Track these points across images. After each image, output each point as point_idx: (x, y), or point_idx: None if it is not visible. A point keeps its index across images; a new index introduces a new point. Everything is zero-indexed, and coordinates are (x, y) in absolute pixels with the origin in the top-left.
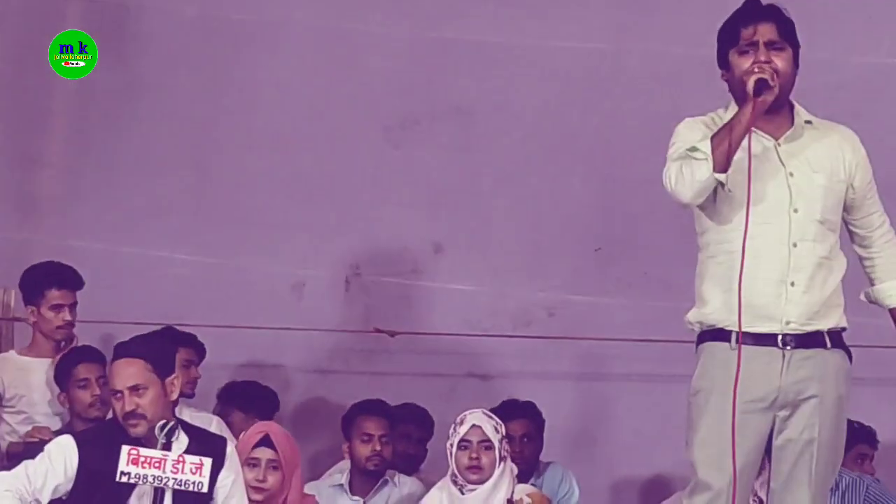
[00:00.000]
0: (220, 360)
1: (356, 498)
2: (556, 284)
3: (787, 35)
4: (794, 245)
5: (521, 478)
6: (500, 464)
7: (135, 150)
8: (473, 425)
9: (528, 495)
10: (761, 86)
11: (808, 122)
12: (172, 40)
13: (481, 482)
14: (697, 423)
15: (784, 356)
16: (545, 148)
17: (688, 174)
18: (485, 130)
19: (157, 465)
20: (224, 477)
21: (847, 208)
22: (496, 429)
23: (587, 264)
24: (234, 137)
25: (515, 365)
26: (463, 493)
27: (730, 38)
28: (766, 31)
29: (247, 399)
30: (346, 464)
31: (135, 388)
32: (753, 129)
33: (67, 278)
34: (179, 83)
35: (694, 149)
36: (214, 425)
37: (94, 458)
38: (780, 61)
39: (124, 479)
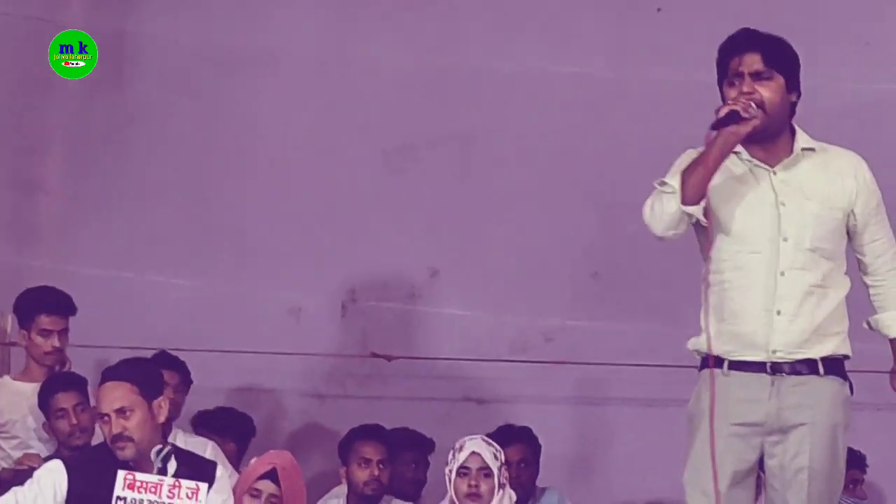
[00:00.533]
0: (217, 385)
1: None
2: (553, 309)
3: (776, 63)
4: (782, 274)
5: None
6: (498, 491)
7: (133, 175)
8: (473, 452)
9: None
10: (729, 118)
11: (810, 148)
12: (171, 67)
13: None
14: (689, 447)
15: (773, 383)
16: (544, 174)
17: (658, 207)
18: (484, 156)
19: (153, 489)
20: (211, 499)
21: (850, 235)
22: (495, 455)
23: (585, 289)
24: (233, 163)
25: (513, 390)
26: None
27: (721, 70)
28: (751, 62)
29: (221, 426)
30: (341, 489)
31: (121, 411)
32: (749, 159)
33: (58, 304)
34: (178, 109)
35: (663, 182)
36: (209, 450)
37: (83, 482)
38: (767, 91)
39: (120, 503)
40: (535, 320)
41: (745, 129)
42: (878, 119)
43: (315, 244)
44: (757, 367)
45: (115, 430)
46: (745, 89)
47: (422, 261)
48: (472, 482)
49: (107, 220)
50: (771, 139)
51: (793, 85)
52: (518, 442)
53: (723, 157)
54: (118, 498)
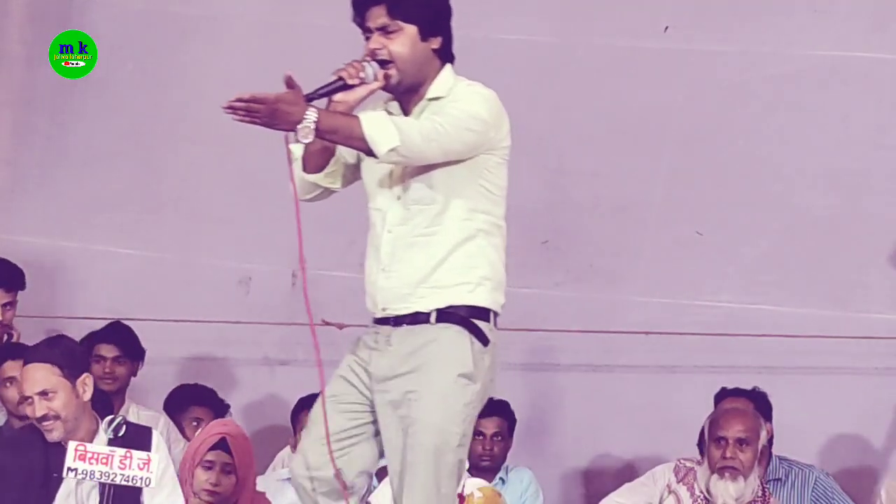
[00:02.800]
0: (167, 355)
1: None
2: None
3: (402, 13)
4: (389, 231)
5: (488, 477)
6: None
7: (79, 144)
8: None
9: (479, 489)
10: (337, 85)
11: (436, 98)
12: (117, 33)
13: None
14: None
15: (387, 339)
16: None
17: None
18: None
19: (104, 461)
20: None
21: None
22: None
23: (534, 257)
24: (180, 131)
25: None
26: None
27: (358, 26)
28: (376, 16)
29: None
30: (290, 455)
31: (44, 394)
32: (395, 113)
33: (3, 277)
34: (124, 77)
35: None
36: (162, 423)
37: (14, 459)
38: (395, 45)
39: (71, 475)
40: None
41: (353, 96)
42: (824, 85)
43: (264, 212)
44: (379, 322)
45: (39, 413)
46: (372, 46)
47: None
48: None
49: (53, 188)
50: (414, 91)
51: (429, 31)
52: (494, 414)
53: (334, 127)
54: (69, 469)
